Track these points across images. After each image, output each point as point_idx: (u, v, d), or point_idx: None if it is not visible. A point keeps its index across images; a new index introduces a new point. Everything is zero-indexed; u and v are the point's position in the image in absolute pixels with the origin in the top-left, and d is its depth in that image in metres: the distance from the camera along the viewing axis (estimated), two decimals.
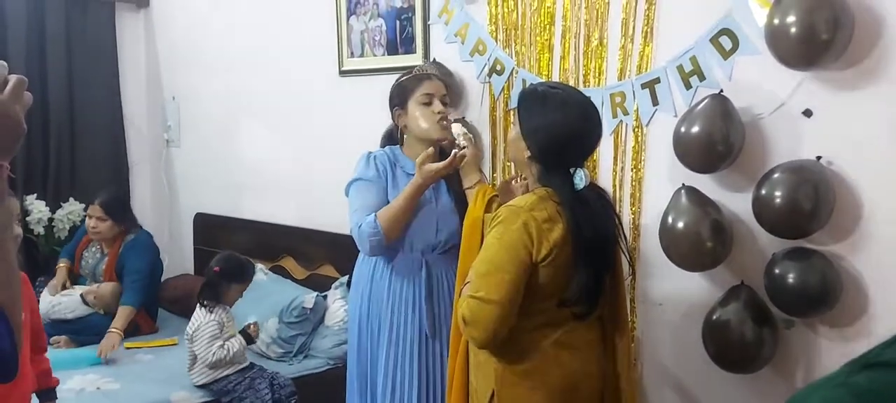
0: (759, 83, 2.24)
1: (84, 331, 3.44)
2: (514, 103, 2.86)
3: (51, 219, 4.13)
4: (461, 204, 2.29)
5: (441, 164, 2.20)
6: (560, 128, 1.84)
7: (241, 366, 2.96)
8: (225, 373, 2.92)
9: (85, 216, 4.06)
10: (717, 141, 2.22)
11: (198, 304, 2.95)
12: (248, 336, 2.97)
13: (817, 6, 1.99)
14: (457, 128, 2.31)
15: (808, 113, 2.17)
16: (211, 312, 2.91)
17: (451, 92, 2.38)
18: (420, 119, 2.35)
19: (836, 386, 0.70)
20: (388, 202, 2.31)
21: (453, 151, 2.24)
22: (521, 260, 1.75)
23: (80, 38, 4.33)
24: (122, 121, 4.54)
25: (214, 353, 2.86)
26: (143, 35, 4.61)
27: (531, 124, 1.88)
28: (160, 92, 4.62)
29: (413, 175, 2.27)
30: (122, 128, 4.56)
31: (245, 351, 2.99)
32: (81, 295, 3.55)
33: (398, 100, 2.42)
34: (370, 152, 2.43)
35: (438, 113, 2.31)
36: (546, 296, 1.82)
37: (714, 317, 2.27)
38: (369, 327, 2.40)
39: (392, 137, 2.57)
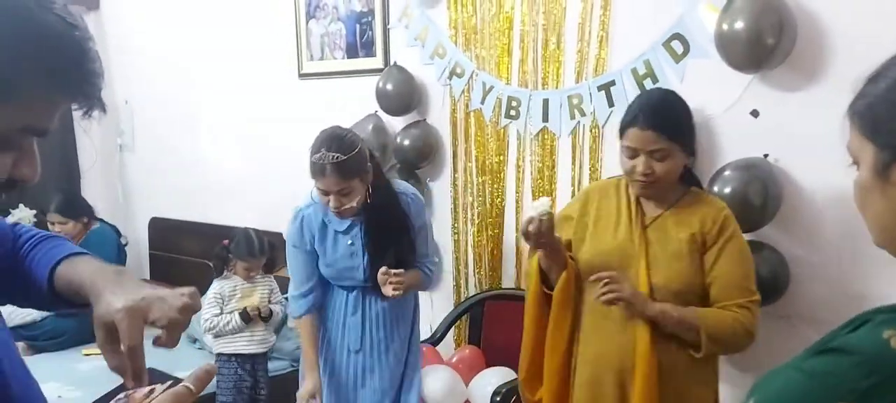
0: (710, 85, 2.34)
1: (40, 337, 3.38)
2: (476, 105, 2.93)
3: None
4: (373, 244, 2.31)
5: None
6: None
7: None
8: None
9: (35, 222, 3.99)
10: None
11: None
12: (246, 316, 2.92)
13: (763, 12, 2.10)
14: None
15: (755, 113, 2.29)
16: (216, 281, 2.99)
17: (356, 176, 2.17)
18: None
19: (794, 370, 0.78)
20: (317, 261, 2.36)
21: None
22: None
23: None
24: (72, 126, 4.44)
25: (208, 319, 2.90)
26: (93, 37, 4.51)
27: None
28: (113, 95, 4.53)
29: (340, 231, 2.31)
30: (72, 132, 4.45)
31: (240, 331, 2.95)
32: None
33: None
34: (299, 210, 2.36)
35: (334, 209, 2.24)
36: None
37: None
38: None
39: None
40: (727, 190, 2.20)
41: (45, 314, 3.47)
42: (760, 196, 2.18)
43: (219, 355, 2.97)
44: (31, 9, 0.70)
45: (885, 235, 0.83)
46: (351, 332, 2.39)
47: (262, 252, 3.00)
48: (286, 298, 3.20)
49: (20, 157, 0.75)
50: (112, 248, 3.74)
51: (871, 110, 0.79)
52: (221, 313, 2.94)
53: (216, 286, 2.99)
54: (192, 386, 0.84)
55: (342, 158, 2.12)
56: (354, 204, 2.20)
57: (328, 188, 2.18)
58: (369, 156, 2.25)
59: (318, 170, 2.17)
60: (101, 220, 3.81)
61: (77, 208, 3.72)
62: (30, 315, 3.45)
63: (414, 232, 2.35)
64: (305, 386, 2.36)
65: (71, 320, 3.52)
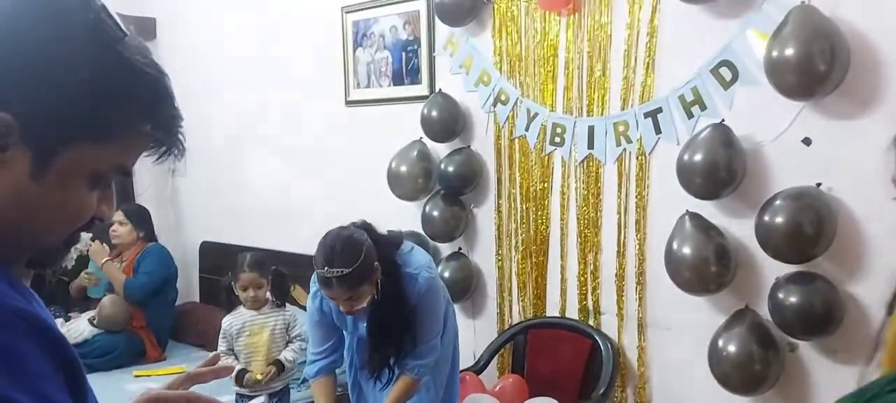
0: (759, 112, 2.30)
1: (91, 355, 3.48)
2: (520, 132, 2.93)
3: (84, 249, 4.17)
4: (374, 338, 2.31)
5: None
6: None
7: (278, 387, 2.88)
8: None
9: (90, 246, 4.13)
10: (720, 168, 2.29)
11: (268, 304, 2.86)
12: (240, 379, 2.79)
13: (814, 38, 2.07)
14: None
15: (807, 141, 2.24)
16: (225, 318, 2.86)
17: (364, 283, 2.14)
18: None
19: None
20: (338, 328, 2.43)
21: None
22: None
23: None
24: (168, 154, 4.58)
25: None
26: None
27: None
28: None
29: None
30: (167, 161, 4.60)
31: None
32: (89, 319, 3.61)
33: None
34: (318, 290, 2.33)
35: (345, 311, 2.25)
36: None
37: (719, 341, 2.32)
38: None
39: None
40: (779, 219, 2.15)
41: (95, 332, 3.58)
42: (813, 226, 2.13)
43: (236, 394, 2.83)
44: (124, 54, 0.74)
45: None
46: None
47: (260, 267, 2.82)
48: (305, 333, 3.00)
49: (103, 196, 0.79)
50: (169, 265, 3.86)
51: None
52: (230, 351, 2.80)
53: (224, 322, 2.84)
54: None
55: (347, 271, 2.09)
56: (365, 303, 2.20)
57: (337, 299, 2.19)
58: (377, 249, 2.19)
59: (324, 284, 2.17)
60: (158, 243, 3.92)
61: (142, 217, 3.88)
62: (81, 334, 3.56)
63: (418, 321, 2.29)
64: None
65: (120, 336, 3.62)
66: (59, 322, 3.66)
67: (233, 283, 2.83)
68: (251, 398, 2.76)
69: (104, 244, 3.88)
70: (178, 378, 1.00)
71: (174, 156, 0.81)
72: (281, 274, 2.91)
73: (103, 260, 3.69)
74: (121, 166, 0.77)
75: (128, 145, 0.76)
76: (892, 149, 0.80)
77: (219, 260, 4.34)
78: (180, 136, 0.81)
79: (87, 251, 3.77)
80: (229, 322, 2.84)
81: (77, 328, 3.59)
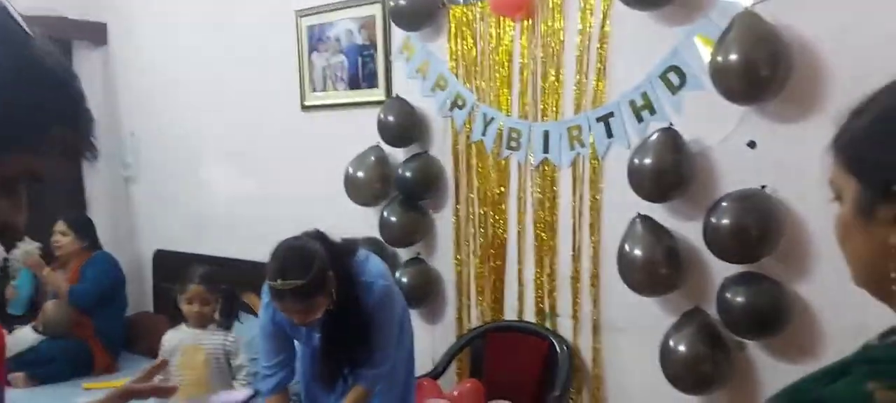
0: (706, 116, 2.35)
1: (36, 363, 3.40)
2: (477, 136, 2.94)
3: (6, 259, 4.05)
4: (326, 348, 2.29)
5: None
6: None
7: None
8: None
9: (41, 253, 4.02)
10: (668, 171, 2.33)
11: (213, 323, 2.73)
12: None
13: (757, 43, 2.12)
14: None
15: (752, 144, 2.29)
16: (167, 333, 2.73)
17: (318, 294, 2.11)
18: None
19: None
20: (290, 340, 2.38)
21: None
22: None
23: None
24: (79, 158, 4.48)
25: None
26: (100, 72, 4.57)
27: None
28: (119, 128, 4.58)
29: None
30: (78, 164, 4.49)
31: None
32: (32, 326, 3.53)
33: None
34: (270, 301, 2.27)
35: (298, 323, 2.22)
36: None
37: (670, 341, 2.36)
38: None
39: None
40: (725, 221, 2.20)
41: (39, 338, 3.49)
42: (758, 227, 2.18)
43: None
44: (31, 56, 0.72)
45: (864, 275, 0.80)
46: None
47: (210, 283, 2.69)
48: (251, 366, 2.86)
49: (13, 203, 0.77)
50: (115, 272, 3.78)
51: (853, 145, 0.77)
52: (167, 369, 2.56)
53: (164, 338, 2.70)
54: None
55: (301, 283, 2.05)
56: (319, 314, 2.16)
57: (290, 312, 2.14)
58: (331, 257, 2.15)
59: (276, 297, 2.12)
60: (106, 252, 3.84)
61: (85, 226, 3.79)
62: (26, 341, 3.48)
63: (373, 330, 2.26)
64: None
65: (67, 342, 3.55)
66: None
67: (179, 296, 2.70)
68: None
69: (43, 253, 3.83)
70: (114, 392, 0.98)
71: (87, 159, 0.78)
72: (232, 294, 2.79)
73: (45, 271, 3.61)
74: (31, 172, 0.75)
75: (38, 150, 0.74)
76: (828, 153, 0.82)
77: (173, 269, 4.26)
78: (92, 139, 0.78)
79: (22, 263, 3.68)
80: (168, 338, 2.69)
81: (22, 336, 3.51)
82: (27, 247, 4.07)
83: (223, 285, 2.78)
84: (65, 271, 3.75)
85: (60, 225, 3.68)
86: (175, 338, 2.67)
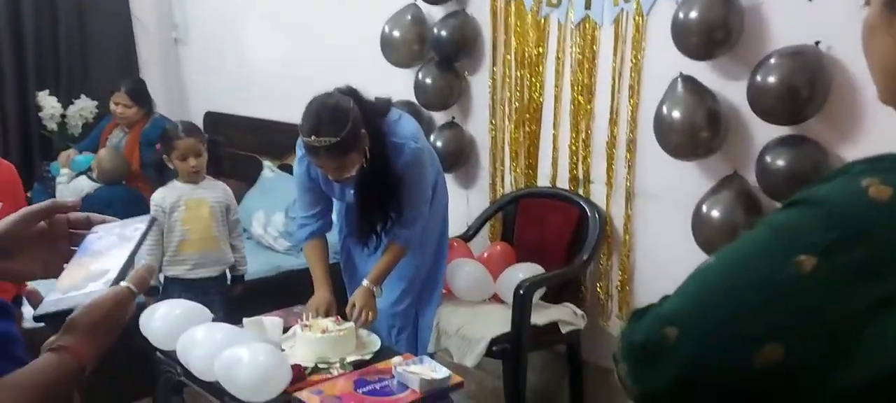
0: None
1: (91, 209, 3.57)
2: None
3: (63, 115, 4.20)
4: (362, 207, 2.31)
5: None
6: None
7: None
8: None
9: (97, 113, 4.16)
10: (716, 26, 2.17)
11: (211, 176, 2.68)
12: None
13: None
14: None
15: None
16: (156, 193, 2.65)
17: (352, 150, 2.11)
18: None
19: (759, 225, 0.71)
20: (325, 195, 2.38)
21: None
22: None
23: None
24: (130, 20, 4.54)
25: (149, 252, 2.49)
26: None
27: None
28: None
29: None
30: (130, 26, 4.55)
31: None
32: (86, 174, 3.70)
33: None
34: (304, 155, 2.27)
35: (333, 179, 2.23)
36: None
37: (703, 207, 2.27)
38: None
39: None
40: (771, 79, 2.05)
41: (95, 186, 3.67)
42: (808, 86, 2.02)
43: (165, 278, 2.59)
44: None
45: (888, 82, 0.74)
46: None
47: (197, 133, 2.61)
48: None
49: None
50: None
51: None
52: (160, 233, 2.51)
53: (155, 196, 2.58)
54: (133, 286, 0.83)
55: (335, 141, 2.04)
56: (354, 171, 2.16)
57: (324, 168, 2.16)
58: (363, 116, 2.13)
59: (311, 152, 2.13)
60: (162, 115, 3.92)
61: (143, 94, 3.86)
62: (82, 190, 3.66)
63: (404, 191, 2.25)
64: (312, 299, 2.32)
65: (119, 188, 3.68)
66: (61, 180, 3.75)
67: (166, 155, 2.59)
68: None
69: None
70: (48, 204, 0.94)
71: None
72: (215, 142, 2.72)
73: (94, 175, 3.67)
74: None
75: None
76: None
77: (222, 131, 4.34)
78: None
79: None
80: (162, 196, 2.56)
81: (78, 184, 3.68)
82: (83, 104, 4.22)
83: (208, 135, 2.70)
84: (123, 132, 3.87)
85: (122, 97, 3.74)
86: (172, 194, 2.57)
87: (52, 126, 4.18)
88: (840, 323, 0.62)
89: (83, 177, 3.73)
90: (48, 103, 4.16)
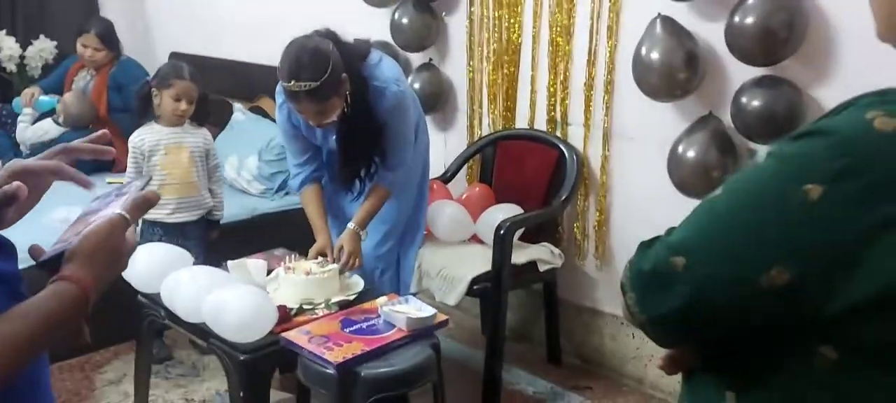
0: None
1: None
2: None
3: (22, 57, 4.05)
4: (345, 153, 2.29)
5: None
6: None
7: None
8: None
9: (57, 53, 4.01)
10: None
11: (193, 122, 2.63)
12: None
13: None
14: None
15: None
16: (135, 132, 2.61)
17: (333, 95, 2.09)
18: None
19: (769, 156, 0.73)
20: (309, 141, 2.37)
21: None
22: None
23: None
24: None
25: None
26: None
27: None
28: None
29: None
30: None
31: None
32: (53, 119, 3.59)
33: None
34: (283, 101, 2.27)
35: (313, 124, 2.21)
36: None
37: (679, 147, 2.31)
38: None
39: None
40: (749, 19, 2.07)
41: (61, 130, 3.54)
42: (786, 27, 2.05)
43: (144, 221, 2.49)
44: None
45: (888, 22, 0.75)
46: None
47: (199, 81, 2.56)
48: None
49: None
50: (145, 78, 3.77)
51: None
52: (139, 174, 2.48)
53: (134, 138, 2.51)
54: (127, 214, 0.84)
55: (315, 85, 2.01)
56: (334, 116, 2.14)
57: (305, 113, 2.13)
58: (344, 59, 2.10)
59: (291, 97, 2.10)
60: (129, 57, 3.80)
61: (115, 38, 3.73)
62: (47, 133, 3.54)
63: (387, 135, 2.25)
64: (314, 246, 2.32)
65: (87, 133, 3.59)
66: (23, 119, 3.63)
67: (156, 90, 2.52)
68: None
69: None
70: (54, 150, 0.97)
71: None
72: (205, 97, 2.66)
73: (60, 119, 3.55)
74: None
75: None
76: None
77: None
78: None
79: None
80: (140, 138, 2.51)
81: (43, 127, 3.57)
82: (42, 45, 4.06)
83: (195, 74, 2.63)
84: (90, 74, 3.74)
85: (92, 40, 3.61)
86: (151, 137, 2.51)
87: (11, 67, 4.03)
88: (846, 245, 0.66)
89: (48, 120, 3.62)
90: (6, 44, 4.00)
